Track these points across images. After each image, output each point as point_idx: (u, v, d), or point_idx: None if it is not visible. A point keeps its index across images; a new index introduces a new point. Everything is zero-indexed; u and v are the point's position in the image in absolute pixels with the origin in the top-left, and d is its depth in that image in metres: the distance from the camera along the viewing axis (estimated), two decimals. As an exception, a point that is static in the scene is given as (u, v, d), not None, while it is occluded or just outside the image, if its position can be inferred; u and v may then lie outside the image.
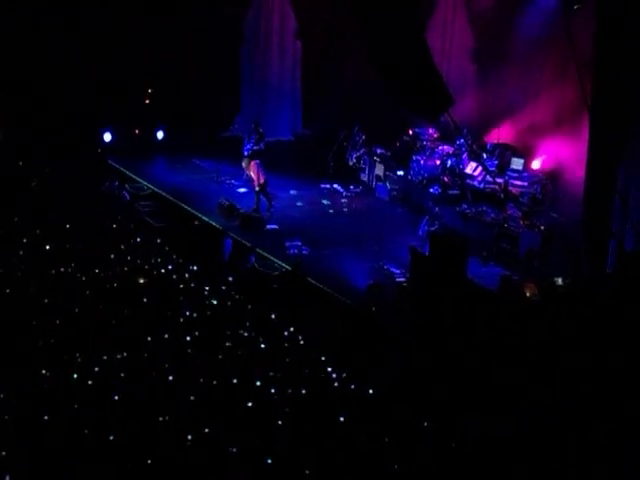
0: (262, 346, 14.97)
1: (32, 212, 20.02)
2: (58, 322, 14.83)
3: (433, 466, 12.11)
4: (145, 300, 16.20)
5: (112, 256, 18.08)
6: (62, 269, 17.12)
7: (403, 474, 11.88)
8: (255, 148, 25.03)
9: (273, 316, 16.39)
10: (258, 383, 13.58)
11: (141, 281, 17.02)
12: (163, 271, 18.01)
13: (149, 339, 14.59)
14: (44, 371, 13.17)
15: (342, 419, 12.88)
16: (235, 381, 13.56)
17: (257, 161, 23.34)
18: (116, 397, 12.71)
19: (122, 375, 13.35)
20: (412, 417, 13.24)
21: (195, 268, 18.25)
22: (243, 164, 23.75)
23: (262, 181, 23.18)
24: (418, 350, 16.00)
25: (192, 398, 12.93)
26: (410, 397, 13.99)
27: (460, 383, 14.44)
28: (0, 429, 11.86)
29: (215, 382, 13.48)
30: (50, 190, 22.01)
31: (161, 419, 12.35)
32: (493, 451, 12.54)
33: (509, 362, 14.82)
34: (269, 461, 11.63)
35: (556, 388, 13.97)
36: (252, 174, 23.38)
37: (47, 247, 18.01)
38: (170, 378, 13.45)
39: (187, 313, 15.86)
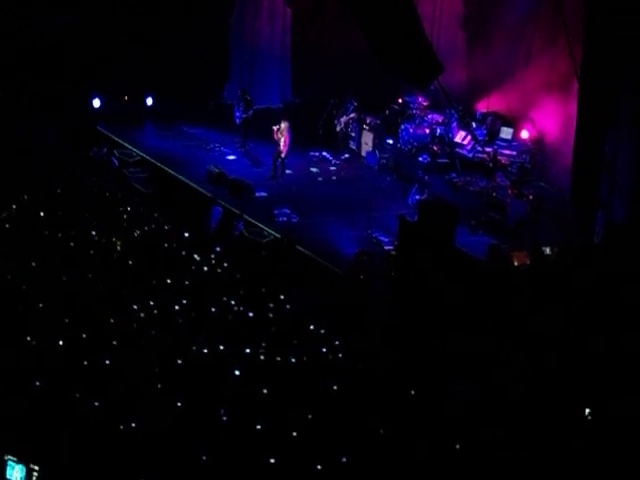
0: (250, 314, 15.03)
1: (22, 178, 20.01)
2: (48, 287, 14.85)
3: (417, 432, 12.22)
4: (133, 267, 16.24)
5: (100, 222, 18.11)
6: (52, 234, 17.15)
7: (388, 439, 11.99)
8: (244, 116, 24.99)
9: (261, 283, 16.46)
10: (248, 351, 13.65)
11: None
12: (151, 238, 18.06)
13: (135, 307, 14.62)
14: (29, 338, 13.19)
15: (330, 386, 12.97)
16: (222, 348, 13.63)
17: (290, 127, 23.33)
18: (107, 362, 12.78)
19: (110, 342, 13.41)
20: (398, 384, 13.36)
21: (186, 235, 18.27)
22: (280, 126, 23.32)
23: (287, 148, 23.22)
24: (404, 319, 16.10)
25: (179, 362, 13.00)
26: (395, 365, 14.10)
27: (443, 352, 14.56)
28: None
29: (204, 350, 13.55)
30: (40, 155, 22.00)
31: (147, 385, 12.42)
32: (473, 416, 12.66)
33: (492, 330, 14.93)
34: (258, 427, 11.73)
35: (538, 356, 14.09)
36: (283, 138, 23.19)
37: (41, 213, 18.04)
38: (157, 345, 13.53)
39: (175, 280, 15.91)
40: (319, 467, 11.19)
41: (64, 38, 25.26)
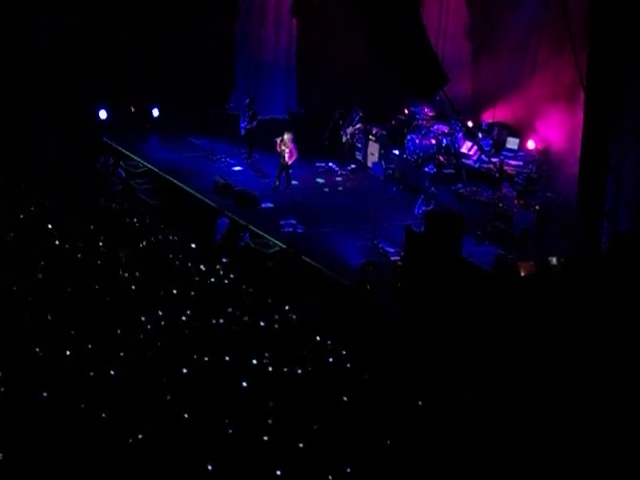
0: (256, 325, 15.01)
1: (29, 190, 20.05)
2: (54, 298, 14.86)
3: (424, 443, 12.19)
4: (139, 278, 16.24)
5: (107, 233, 18.12)
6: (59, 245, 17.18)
7: (394, 449, 11.96)
8: (248, 127, 25.00)
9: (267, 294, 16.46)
10: (254, 361, 13.63)
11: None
12: (157, 249, 18.08)
13: (142, 318, 14.62)
14: (37, 349, 13.19)
15: (336, 396, 12.95)
16: (228, 358, 13.62)
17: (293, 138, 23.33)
18: (113, 372, 12.77)
19: (116, 352, 13.41)
20: (405, 395, 13.33)
21: (193, 246, 18.30)
22: (283, 138, 23.37)
23: (295, 158, 23.21)
24: (411, 329, 16.07)
25: (184, 370, 12.99)
26: (402, 375, 14.07)
27: (449, 362, 14.53)
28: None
29: (210, 360, 13.54)
30: (46, 167, 22.05)
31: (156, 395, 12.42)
32: (480, 426, 12.63)
33: (498, 340, 14.90)
34: (265, 438, 11.70)
35: (547, 366, 14.06)
36: (288, 149, 23.19)
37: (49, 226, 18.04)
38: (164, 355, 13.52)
39: (181, 291, 15.90)
40: (328, 478, 11.19)
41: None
